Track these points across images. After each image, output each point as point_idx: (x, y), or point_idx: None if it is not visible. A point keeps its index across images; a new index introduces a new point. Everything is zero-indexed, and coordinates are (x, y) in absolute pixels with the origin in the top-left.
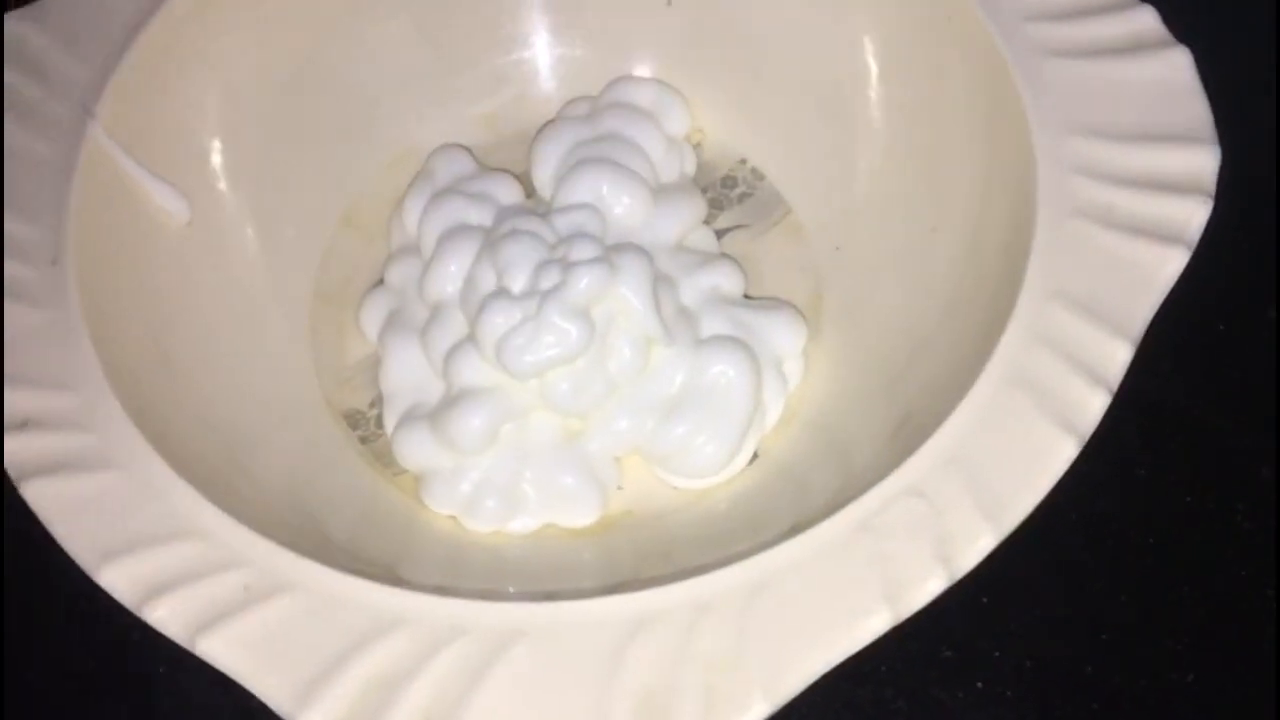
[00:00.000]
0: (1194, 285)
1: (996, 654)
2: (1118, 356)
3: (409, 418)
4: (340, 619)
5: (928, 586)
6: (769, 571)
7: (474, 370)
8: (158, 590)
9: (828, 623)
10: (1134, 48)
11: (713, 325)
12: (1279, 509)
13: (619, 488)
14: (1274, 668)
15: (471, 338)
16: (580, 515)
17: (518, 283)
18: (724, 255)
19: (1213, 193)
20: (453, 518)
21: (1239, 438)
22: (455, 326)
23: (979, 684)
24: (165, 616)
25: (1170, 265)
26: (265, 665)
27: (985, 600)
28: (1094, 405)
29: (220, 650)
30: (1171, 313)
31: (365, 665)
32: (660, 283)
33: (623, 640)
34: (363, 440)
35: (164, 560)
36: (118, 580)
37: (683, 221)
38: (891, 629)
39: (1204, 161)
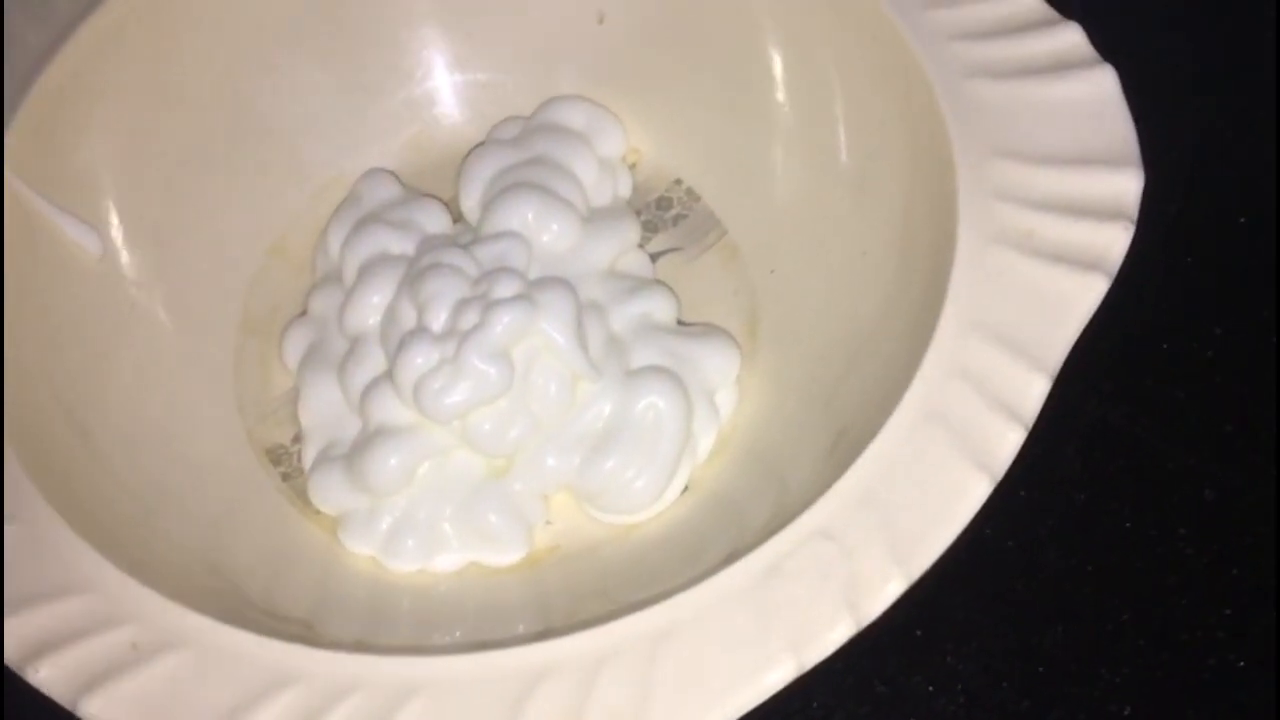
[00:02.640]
0: (1137, 304)
1: (930, 689)
2: (1034, 391)
3: (324, 458)
4: (230, 676)
5: (834, 634)
6: (673, 619)
7: (391, 408)
8: (41, 649)
9: (731, 674)
10: (1060, 66)
11: (643, 354)
12: (1222, 534)
13: (547, 522)
14: (1213, 699)
15: (389, 376)
16: (505, 553)
17: (438, 320)
18: (656, 281)
19: (1134, 218)
20: (373, 558)
21: (1181, 460)
22: (373, 361)
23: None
24: (49, 677)
25: (1091, 294)
26: None
27: (919, 633)
28: (1008, 443)
29: (104, 711)
30: (1112, 332)
31: None
32: (589, 311)
33: (522, 694)
34: (284, 477)
35: (51, 618)
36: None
37: (614, 247)
38: (823, 663)
39: (1128, 185)
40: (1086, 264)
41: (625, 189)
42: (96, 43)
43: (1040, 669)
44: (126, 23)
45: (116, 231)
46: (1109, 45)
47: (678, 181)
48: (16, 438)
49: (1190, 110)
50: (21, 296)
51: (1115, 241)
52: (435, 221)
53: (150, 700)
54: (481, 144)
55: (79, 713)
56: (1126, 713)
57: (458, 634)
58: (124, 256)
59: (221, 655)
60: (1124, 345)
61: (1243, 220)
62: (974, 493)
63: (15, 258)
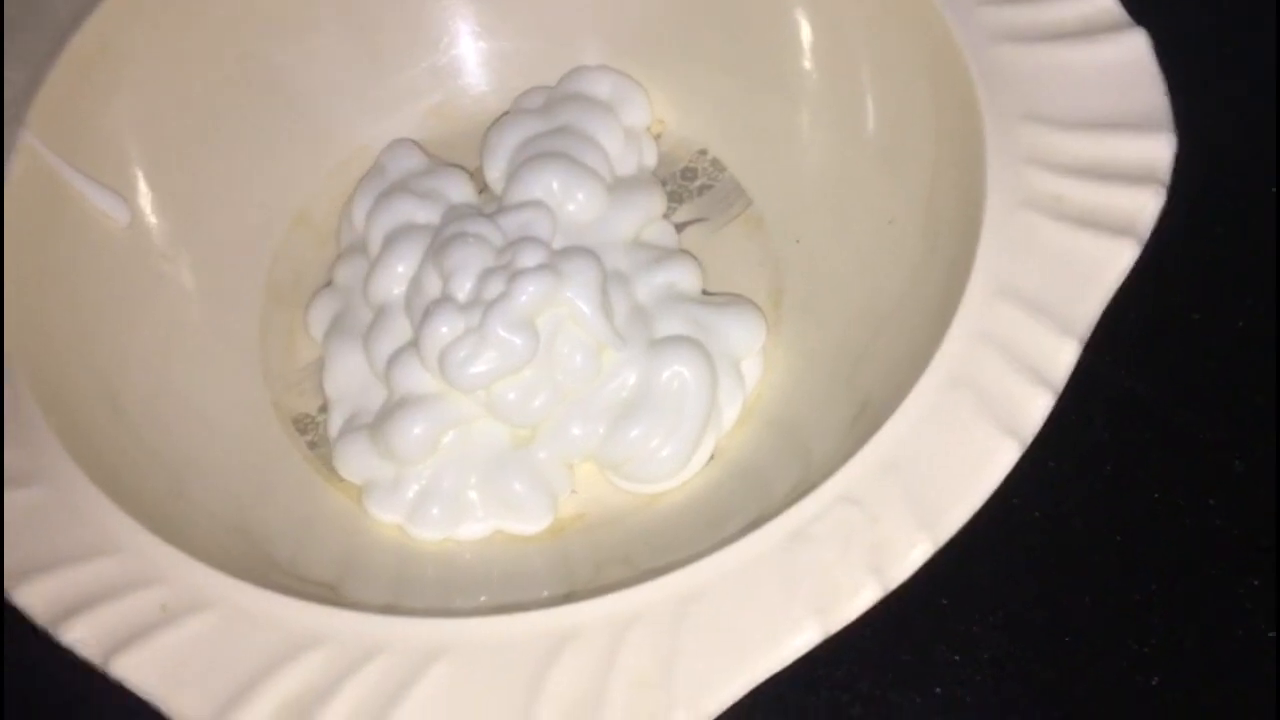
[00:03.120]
0: (1166, 274)
1: (956, 658)
2: (1064, 356)
3: (349, 428)
4: (258, 638)
5: (859, 599)
6: (698, 584)
7: (416, 377)
8: (73, 610)
9: (755, 637)
10: (1089, 30)
11: (668, 324)
12: (1251, 505)
13: (572, 491)
14: (1243, 669)
15: (414, 346)
16: (530, 522)
17: (463, 290)
18: (682, 251)
19: (1167, 182)
20: (398, 526)
21: (1210, 431)
22: (399, 331)
23: (937, 689)
24: (80, 637)
25: (1121, 259)
26: (180, 686)
27: (945, 602)
28: (1037, 407)
29: (134, 671)
30: (1142, 303)
31: (282, 685)
32: (614, 281)
33: (546, 657)
34: (311, 445)
35: (81, 579)
36: (33, 599)
37: (639, 217)
38: (848, 632)
39: (1159, 150)
40: (1117, 229)
41: (651, 159)
42: (123, 11)
43: (1067, 639)
44: None
45: (143, 200)
46: (1141, 8)
47: (703, 152)
48: (46, 402)
49: (1223, 76)
50: (50, 263)
51: (1146, 206)
52: (460, 191)
53: (179, 660)
54: (506, 113)
55: (109, 672)
56: (1154, 683)
57: (482, 599)
58: (151, 225)
59: (249, 616)
60: (1153, 316)
61: (1276, 190)
62: (1002, 458)
63: (43, 225)
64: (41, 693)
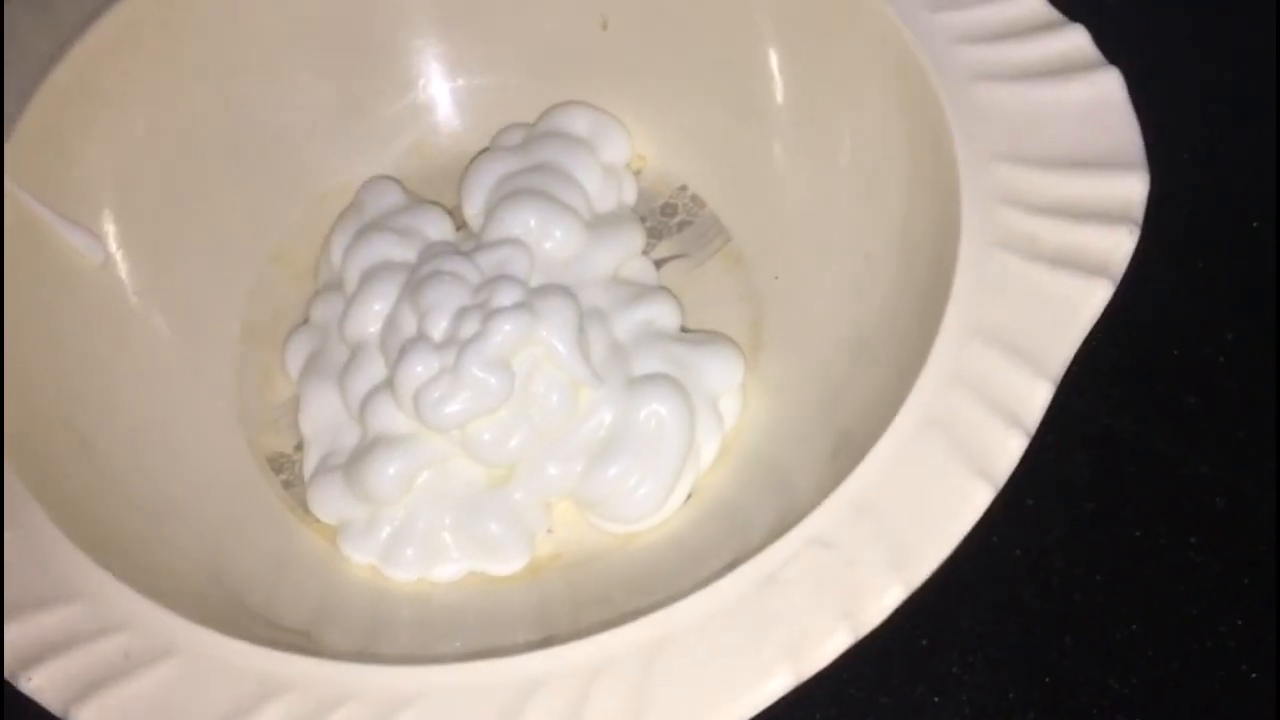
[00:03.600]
0: (1146, 310)
1: (935, 699)
2: (1037, 397)
3: (323, 468)
4: (222, 685)
5: (831, 644)
6: (669, 629)
7: (390, 416)
8: (34, 658)
9: (727, 684)
10: (1064, 70)
11: (646, 362)
12: (1233, 543)
13: (549, 531)
14: (1225, 710)
15: (389, 385)
16: (506, 563)
17: (438, 328)
18: (660, 288)
19: (1140, 221)
20: (373, 567)
21: (1191, 467)
22: (373, 369)
23: None
24: (40, 685)
25: (1094, 299)
26: None
27: (924, 642)
28: (1010, 449)
29: None
30: (1121, 339)
31: None
32: (591, 318)
33: (515, 705)
34: (286, 485)
35: (43, 626)
36: None
37: (618, 253)
38: (826, 673)
39: (1133, 188)
40: (1090, 269)
41: (630, 195)
42: (99, 50)
43: (1047, 679)
44: (129, 31)
45: (118, 239)
46: (1114, 48)
47: (683, 188)
48: (14, 445)
49: (1198, 114)
50: (23, 303)
51: (1120, 246)
52: (438, 228)
53: (142, 709)
54: (484, 150)
55: None
56: None
57: (458, 643)
58: (125, 264)
59: (214, 664)
60: (1133, 352)
61: (1255, 224)
62: (975, 501)
63: (17, 265)
64: None
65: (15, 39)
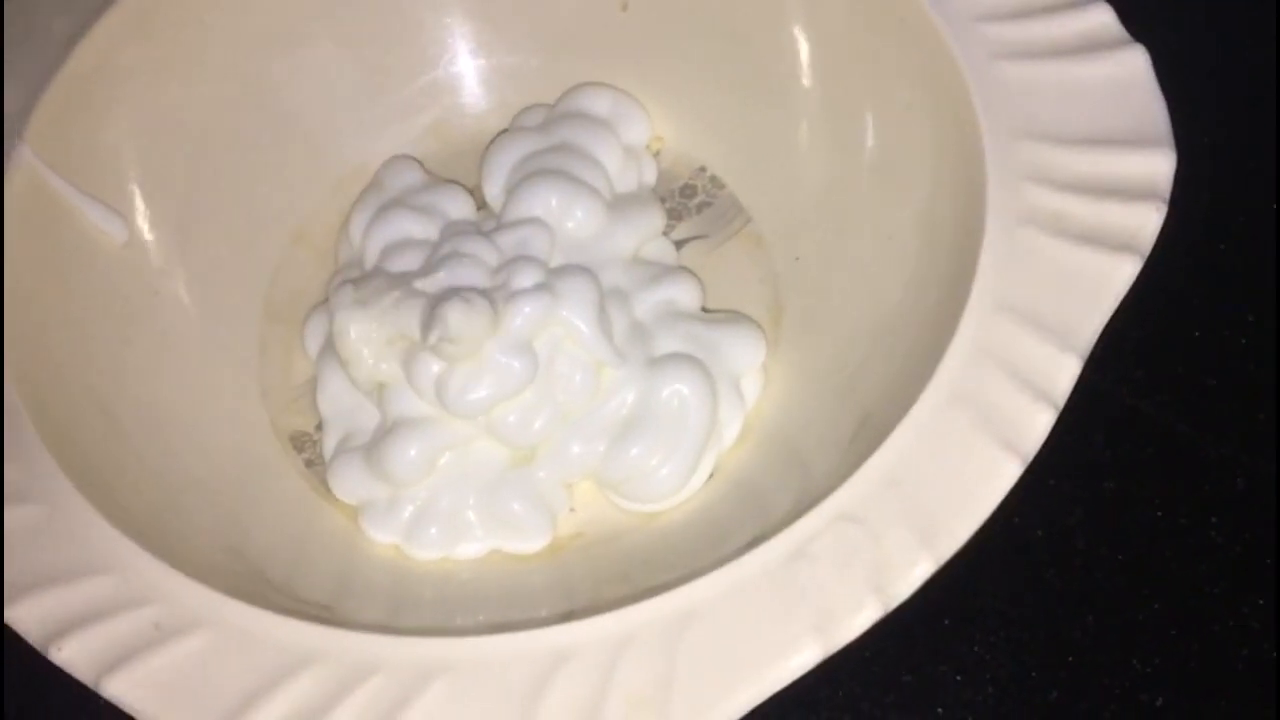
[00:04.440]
0: (1168, 291)
1: (958, 678)
2: (1065, 373)
3: (342, 450)
4: (252, 657)
5: (860, 617)
6: (696, 602)
7: (409, 400)
8: (65, 628)
9: (756, 656)
10: (1089, 47)
11: (667, 341)
12: (1254, 523)
13: (571, 510)
14: (1246, 689)
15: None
16: (529, 541)
17: None
18: (681, 268)
19: (1167, 198)
20: (395, 546)
21: (1213, 448)
22: None
23: (939, 710)
24: (71, 656)
25: (1121, 274)
26: (172, 707)
27: (946, 622)
28: (1039, 424)
29: (126, 691)
30: (1143, 320)
31: (275, 705)
32: (613, 298)
33: (543, 675)
34: (308, 464)
35: (74, 597)
36: (25, 617)
37: (639, 233)
38: (849, 651)
39: (1159, 165)
40: (1118, 244)
41: (650, 176)
42: (121, 28)
43: (1070, 659)
44: (151, 10)
45: (141, 218)
46: (1139, 25)
47: (702, 169)
48: (42, 419)
49: (1222, 93)
50: (47, 280)
51: (1147, 221)
52: (459, 207)
53: (172, 680)
54: (505, 131)
55: (102, 692)
56: (1158, 703)
57: (480, 618)
58: (148, 243)
59: (243, 635)
60: (1155, 333)
61: (1276, 205)
62: (1004, 474)
63: (41, 242)
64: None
65: (38, 19)
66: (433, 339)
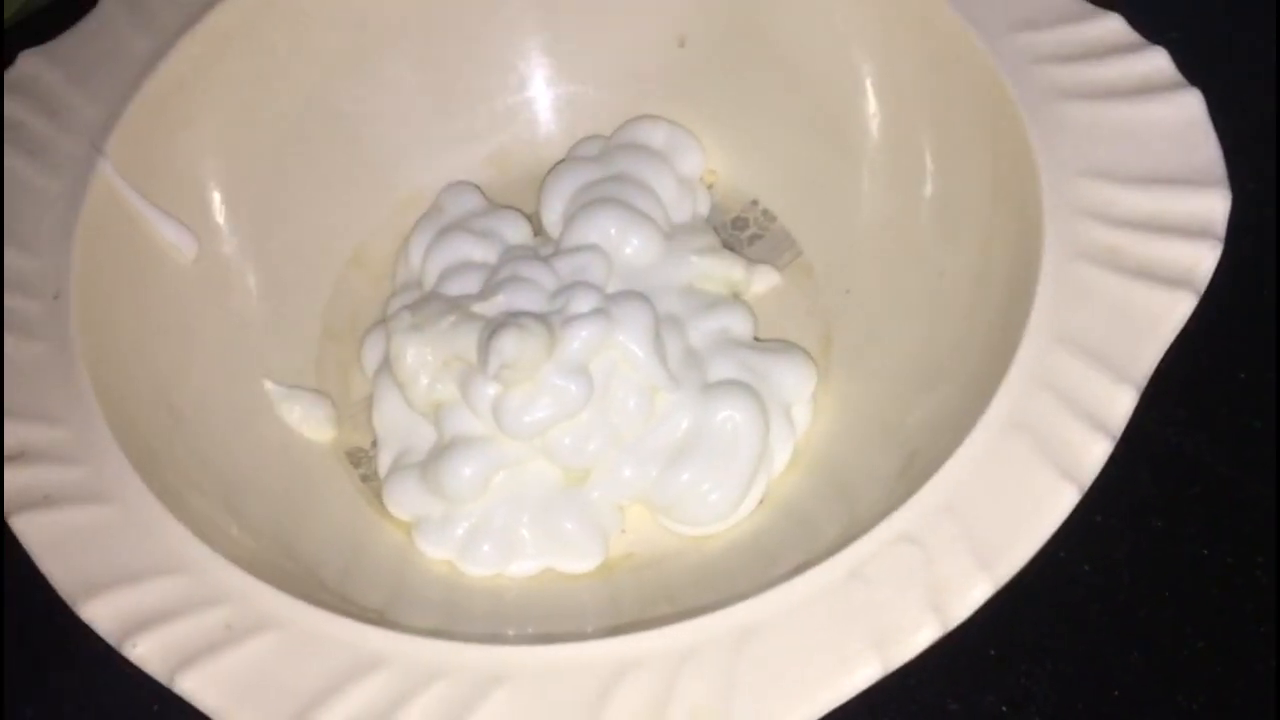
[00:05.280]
0: (1213, 331)
1: (1003, 709)
2: (1121, 403)
3: (398, 466)
4: (321, 658)
5: (919, 637)
6: (758, 617)
7: (465, 419)
8: (139, 626)
9: (815, 672)
10: (1145, 89)
11: (721, 368)
12: None
13: (622, 531)
14: None
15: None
16: (581, 560)
17: None
18: (734, 297)
19: (1222, 236)
20: (449, 562)
21: (1257, 488)
22: None
23: None
24: (146, 653)
25: (1178, 310)
26: (243, 704)
27: (993, 653)
28: (1095, 452)
29: (199, 688)
30: (1189, 359)
31: (344, 706)
32: (667, 325)
33: (607, 685)
34: (364, 479)
35: (148, 596)
36: (100, 614)
37: (693, 264)
38: (895, 679)
39: (1214, 204)
40: (1173, 280)
41: (704, 207)
42: (199, 50)
43: (1115, 693)
44: (230, 30)
45: (210, 235)
46: (1194, 69)
47: (754, 202)
48: (116, 422)
49: (1270, 139)
50: (121, 291)
51: (1203, 258)
52: (517, 232)
53: (243, 679)
54: (564, 160)
55: (174, 688)
56: None
57: (531, 632)
58: (216, 258)
59: (312, 637)
60: (1198, 374)
61: None
62: (1060, 501)
63: (117, 254)
64: None
65: (118, 39)
66: (491, 369)
